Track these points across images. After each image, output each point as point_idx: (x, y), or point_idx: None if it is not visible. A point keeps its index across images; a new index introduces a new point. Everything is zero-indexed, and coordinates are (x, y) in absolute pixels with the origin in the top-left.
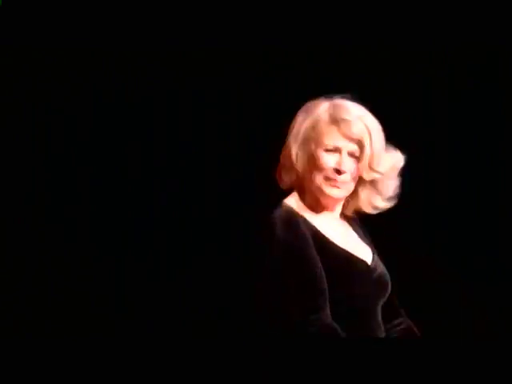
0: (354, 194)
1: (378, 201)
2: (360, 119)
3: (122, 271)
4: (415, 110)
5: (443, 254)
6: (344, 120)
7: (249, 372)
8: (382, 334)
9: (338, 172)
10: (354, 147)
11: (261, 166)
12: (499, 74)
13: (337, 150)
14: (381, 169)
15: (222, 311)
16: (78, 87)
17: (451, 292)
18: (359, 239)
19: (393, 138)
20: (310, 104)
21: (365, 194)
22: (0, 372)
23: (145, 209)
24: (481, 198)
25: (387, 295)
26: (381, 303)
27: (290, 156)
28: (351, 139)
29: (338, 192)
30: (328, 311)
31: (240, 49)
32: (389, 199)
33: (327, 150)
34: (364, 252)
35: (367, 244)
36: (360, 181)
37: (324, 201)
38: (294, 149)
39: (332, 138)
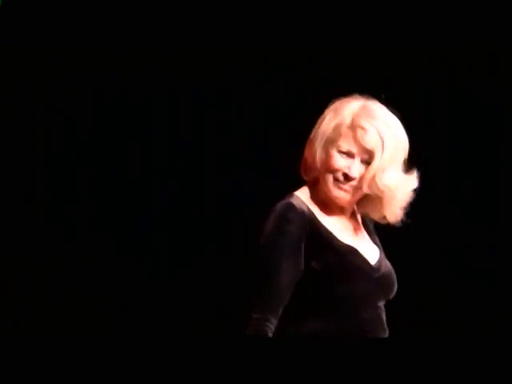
0: (365, 199)
1: (387, 212)
2: (378, 130)
3: (122, 271)
4: (415, 110)
5: (443, 254)
6: (362, 128)
7: (249, 372)
8: (385, 334)
9: (346, 176)
10: (368, 156)
11: (261, 165)
12: (499, 74)
13: (350, 154)
14: (382, 185)
15: (222, 311)
16: (78, 87)
17: (451, 292)
18: (367, 237)
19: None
20: (340, 102)
21: (373, 204)
22: (0, 372)
23: (145, 209)
24: (481, 198)
25: (391, 296)
26: (383, 302)
27: (313, 153)
28: (364, 148)
29: (345, 196)
30: (273, 320)
31: (240, 49)
32: (395, 214)
33: (341, 152)
34: (369, 250)
35: (375, 242)
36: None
37: (333, 202)
38: (317, 146)
39: (347, 142)
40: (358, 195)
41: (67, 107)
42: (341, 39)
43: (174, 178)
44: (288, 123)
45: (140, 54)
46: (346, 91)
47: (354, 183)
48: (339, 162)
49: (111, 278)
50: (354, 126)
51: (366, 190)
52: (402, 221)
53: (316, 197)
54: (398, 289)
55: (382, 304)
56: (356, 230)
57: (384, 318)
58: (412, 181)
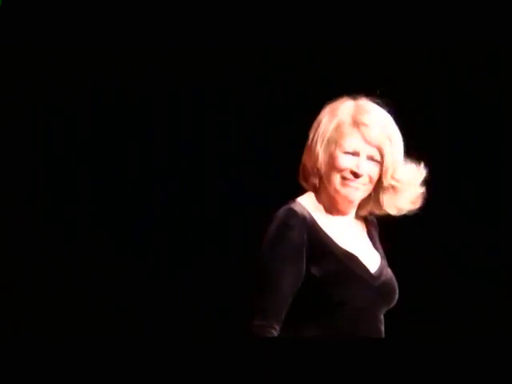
0: (375, 196)
1: (403, 203)
2: (381, 125)
3: (122, 271)
4: (415, 110)
5: (443, 254)
6: (364, 124)
7: (249, 372)
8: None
9: (355, 174)
10: (374, 151)
11: (261, 165)
12: (499, 74)
13: (355, 153)
14: (401, 178)
15: (222, 311)
16: (78, 87)
17: (451, 292)
18: (370, 244)
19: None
20: (333, 105)
21: (388, 197)
22: (0, 372)
23: (145, 209)
24: (481, 198)
25: (391, 305)
26: (383, 311)
27: (316, 158)
28: (370, 144)
29: (355, 193)
30: (276, 326)
31: (240, 49)
32: (413, 202)
33: (346, 152)
34: (370, 258)
35: (377, 250)
36: (380, 184)
37: (340, 202)
38: (319, 149)
39: (351, 140)
40: (367, 191)
41: (67, 107)
42: (341, 39)
43: (173, 178)
44: (288, 123)
45: (140, 53)
46: (346, 91)
47: (362, 180)
48: (345, 161)
49: (111, 278)
50: (356, 124)
51: (386, 184)
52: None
53: (319, 202)
54: (398, 289)
55: (381, 314)
56: (358, 236)
57: (382, 330)
58: (421, 172)
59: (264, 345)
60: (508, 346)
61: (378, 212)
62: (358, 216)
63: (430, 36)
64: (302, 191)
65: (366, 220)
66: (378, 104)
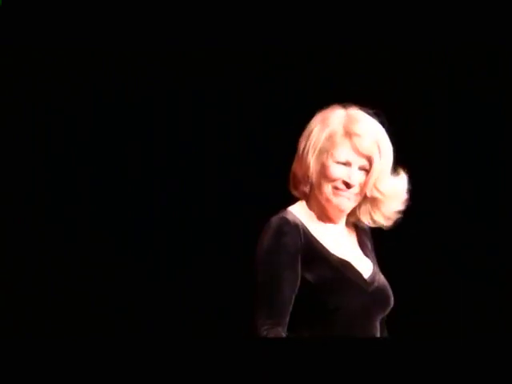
0: (357, 204)
1: (378, 217)
2: (372, 135)
3: (122, 271)
4: (415, 110)
5: (443, 254)
6: (356, 135)
7: (248, 372)
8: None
9: (347, 185)
10: (365, 162)
11: (261, 166)
12: (499, 74)
13: (347, 163)
14: (383, 189)
15: (222, 311)
16: (78, 87)
17: (451, 292)
18: (360, 251)
19: (393, 138)
20: (324, 114)
21: (365, 208)
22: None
23: (145, 209)
24: (481, 198)
25: (387, 310)
26: (379, 318)
27: (307, 167)
28: (362, 154)
29: (346, 203)
30: (284, 328)
31: (240, 49)
32: (388, 218)
33: (338, 162)
34: (363, 264)
35: (369, 257)
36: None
37: (331, 211)
38: (310, 158)
39: (343, 151)
40: (358, 200)
41: (67, 107)
42: (341, 39)
43: (173, 178)
44: (288, 123)
45: (140, 53)
46: (346, 91)
47: (353, 190)
48: (337, 171)
49: (111, 278)
50: (348, 134)
51: (368, 194)
52: (395, 223)
53: (310, 210)
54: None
55: (377, 321)
56: (349, 244)
57: (378, 332)
58: (404, 182)
59: (264, 345)
60: (508, 346)
61: (357, 220)
62: (348, 223)
63: (430, 36)
64: (293, 199)
65: (356, 227)
66: (368, 113)
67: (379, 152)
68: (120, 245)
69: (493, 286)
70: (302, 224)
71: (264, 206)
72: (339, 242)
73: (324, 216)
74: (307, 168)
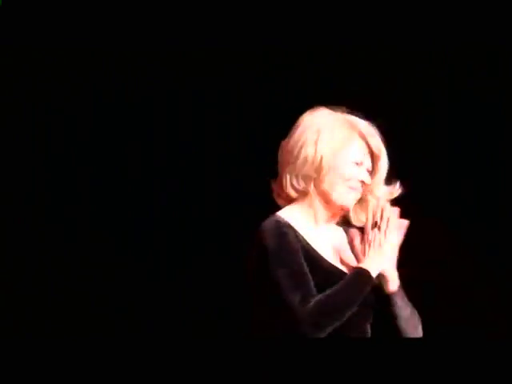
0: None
1: (363, 217)
2: (379, 138)
3: (122, 271)
4: (415, 110)
5: (443, 254)
6: (371, 135)
7: (248, 372)
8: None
9: (362, 184)
10: (371, 163)
11: (261, 166)
12: (499, 74)
13: (360, 163)
14: (382, 192)
15: (222, 311)
16: (78, 87)
17: (452, 292)
18: (352, 257)
19: (393, 138)
20: (321, 118)
21: (355, 207)
22: (0, 372)
23: (145, 209)
24: (481, 198)
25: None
26: (369, 321)
27: (319, 168)
28: (373, 153)
29: (353, 202)
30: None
31: (240, 49)
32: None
33: (353, 162)
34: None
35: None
36: None
37: (334, 211)
38: (325, 161)
39: (360, 151)
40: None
41: (67, 107)
42: (341, 39)
43: (173, 178)
44: (288, 123)
45: (140, 53)
46: (346, 91)
47: (362, 189)
48: (354, 170)
49: (111, 278)
50: (361, 135)
51: (369, 194)
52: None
53: (301, 213)
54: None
55: (368, 326)
56: (340, 244)
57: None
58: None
59: (264, 345)
60: (508, 346)
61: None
62: (343, 225)
63: (430, 36)
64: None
65: (345, 227)
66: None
67: (383, 153)
68: (120, 245)
69: (493, 286)
70: (294, 228)
71: (264, 206)
72: (331, 245)
73: (320, 217)
74: (319, 169)
